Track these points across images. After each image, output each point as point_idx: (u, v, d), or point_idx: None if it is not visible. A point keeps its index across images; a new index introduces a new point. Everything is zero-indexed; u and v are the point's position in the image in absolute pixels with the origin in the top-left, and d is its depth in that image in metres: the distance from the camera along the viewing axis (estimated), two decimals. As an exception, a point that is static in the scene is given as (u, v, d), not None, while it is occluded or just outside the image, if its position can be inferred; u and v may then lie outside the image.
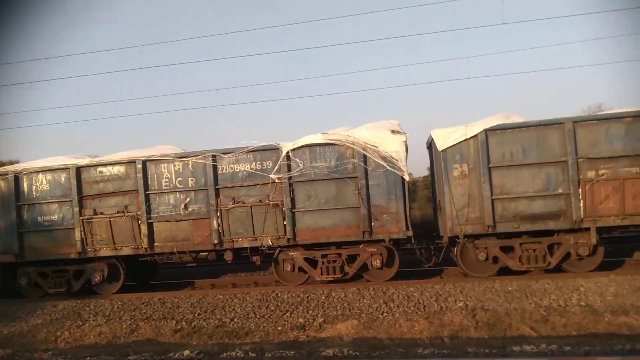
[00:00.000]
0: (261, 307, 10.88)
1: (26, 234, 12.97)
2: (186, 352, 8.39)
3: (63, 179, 12.70)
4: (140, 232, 12.38)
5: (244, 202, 11.97)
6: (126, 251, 12.54)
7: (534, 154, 11.22)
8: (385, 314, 9.93)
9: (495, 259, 11.51)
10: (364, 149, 11.59)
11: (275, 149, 11.86)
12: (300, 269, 12.08)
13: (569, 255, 11.33)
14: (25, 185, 12.99)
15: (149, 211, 12.38)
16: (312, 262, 12.01)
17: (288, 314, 10.40)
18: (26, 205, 13.00)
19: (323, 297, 10.95)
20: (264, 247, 12.06)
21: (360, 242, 11.87)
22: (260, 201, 11.93)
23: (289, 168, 11.82)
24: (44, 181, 12.86)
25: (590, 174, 10.97)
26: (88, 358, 8.52)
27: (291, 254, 11.99)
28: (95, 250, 12.59)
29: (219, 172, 12.16)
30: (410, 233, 11.45)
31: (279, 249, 12.12)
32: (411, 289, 10.87)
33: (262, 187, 11.96)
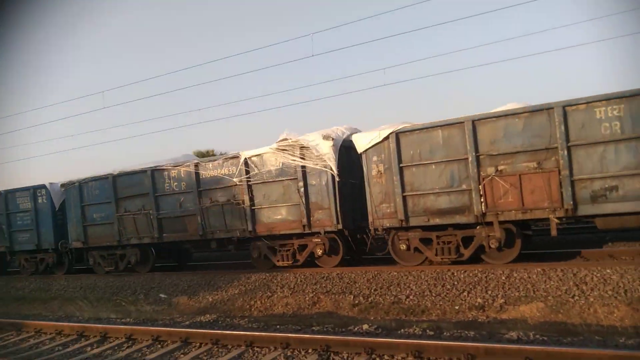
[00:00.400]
0: (437, 285, 11.05)
1: (88, 227, 17.46)
2: (365, 327, 8.60)
3: (106, 186, 16.77)
4: (153, 226, 15.88)
5: (217, 201, 14.76)
6: (146, 240, 16.24)
7: (440, 152, 12.24)
8: (576, 297, 9.42)
9: (418, 249, 12.72)
10: (301, 156, 13.73)
11: (237, 157, 14.44)
12: (265, 257, 14.54)
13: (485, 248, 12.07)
14: (85, 190, 17.51)
15: (157, 209, 15.81)
16: (274, 250, 14.49)
17: (465, 294, 10.43)
18: (87, 206, 17.47)
19: (503, 278, 10.77)
20: (234, 238, 14.75)
21: (313, 234, 13.89)
22: (228, 200, 14.62)
23: (247, 172, 14.29)
24: (95, 187, 17.11)
25: (490, 170, 11.71)
26: (278, 326, 9.19)
27: (258, 243, 14.54)
28: (128, 239, 16.49)
29: (201, 177, 15.11)
30: (340, 226, 13.18)
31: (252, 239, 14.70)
32: (608, 270, 10.14)
33: (230, 189, 14.66)
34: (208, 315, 10.83)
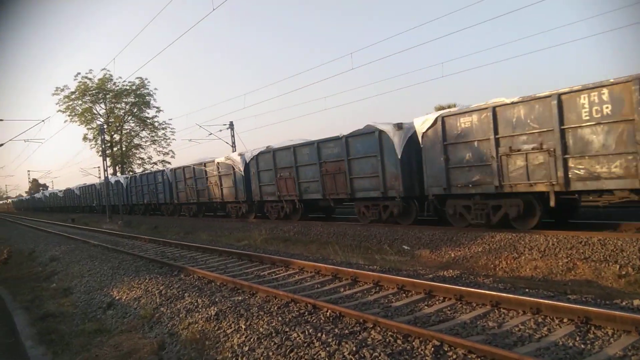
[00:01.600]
0: None
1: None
2: (636, 302, 5.15)
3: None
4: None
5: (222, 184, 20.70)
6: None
7: (270, 165, 17.01)
8: None
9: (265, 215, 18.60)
10: (232, 163, 18.97)
11: (213, 161, 20.54)
12: (229, 212, 20.97)
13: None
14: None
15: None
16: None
17: None
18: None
19: None
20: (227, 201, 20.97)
21: (240, 202, 19.42)
22: (218, 183, 20.72)
23: (218, 171, 20.27)
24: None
25: (279, 175, 16.43)
26: (526, 290, 6.08)
27: (229, 205, 20.67)
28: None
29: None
30: (245, 198, 18.77)
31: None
32: None
33: (222, 177, 20.02)
34: (451, 271, 7.75)
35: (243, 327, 5.26)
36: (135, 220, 26.30)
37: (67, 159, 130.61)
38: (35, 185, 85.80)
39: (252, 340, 4.83)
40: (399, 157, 11.96)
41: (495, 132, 9.94)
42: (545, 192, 9.42)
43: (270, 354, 4.43)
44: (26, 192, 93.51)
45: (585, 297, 5.58)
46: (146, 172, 32.12)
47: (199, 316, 5.93)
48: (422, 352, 4.07)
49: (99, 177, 38.33)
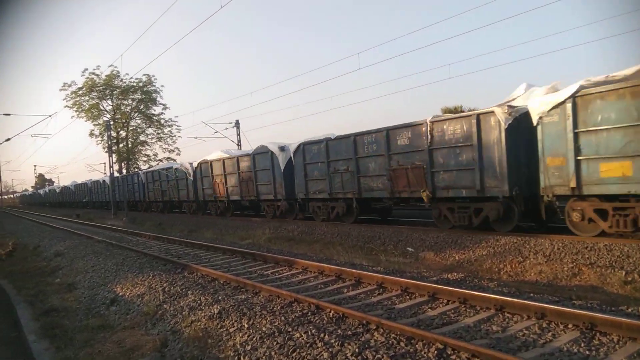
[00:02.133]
0: None
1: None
2: None
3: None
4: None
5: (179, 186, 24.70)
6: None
7: (208, 172, 20.75)
8: None
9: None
10: (185, 169, 23.02)
11: (172, 167, 25.01)
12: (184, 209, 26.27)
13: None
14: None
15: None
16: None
17: None
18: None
19: None
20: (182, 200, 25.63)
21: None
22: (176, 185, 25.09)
23: (175, 175, 24.23)
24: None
25: (214, 180, 20.46)
26: (531, 294, 6.04)
27: (184, 203, 25.31)
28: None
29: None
30: (194, 198, 22.91)
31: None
32: None
33: (179, 181, 24.08)
34: (455, 274, 7.72)
35: (246, 326, 5.22)
36: (139, 217, 26.50)
37: (74, 155, 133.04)
38: (42, 180, 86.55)
39: (254, 339, 4.80)
40: (282, 170, 16.44)
41: (328, 157, 14.36)
42: (353, 198, 13.76)
43: (273, 353, 4.39)
44: (32, 186, 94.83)
45: (590, 303, 5.49)
46: (125, 174, 35.55)
47: (202, 314, 5.89)
48: (425, 355, 4.02)
49: (104, 173, 39.07)
